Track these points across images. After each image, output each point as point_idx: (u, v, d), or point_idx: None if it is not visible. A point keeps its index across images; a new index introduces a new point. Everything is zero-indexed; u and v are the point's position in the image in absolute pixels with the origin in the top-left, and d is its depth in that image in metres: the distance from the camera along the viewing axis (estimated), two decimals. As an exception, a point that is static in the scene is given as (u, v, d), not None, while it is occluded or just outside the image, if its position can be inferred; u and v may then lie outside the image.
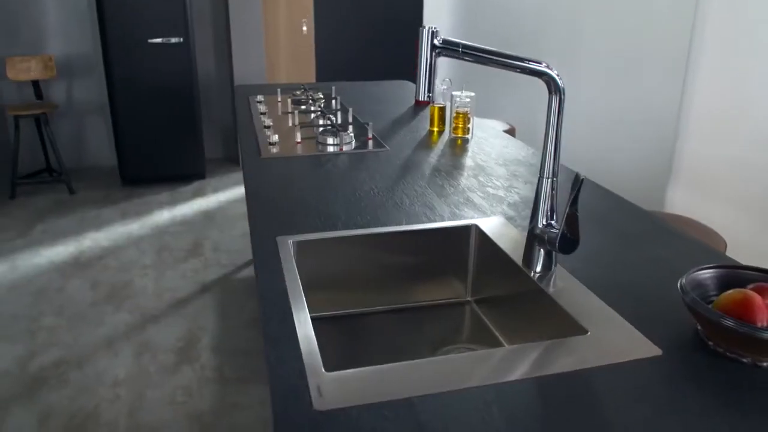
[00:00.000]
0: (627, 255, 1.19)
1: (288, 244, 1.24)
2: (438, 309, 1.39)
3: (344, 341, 1.27)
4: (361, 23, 5.99)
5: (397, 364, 0.86)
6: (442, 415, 0.74)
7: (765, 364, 0.86)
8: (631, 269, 1.13)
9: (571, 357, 0.86)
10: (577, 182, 0.98)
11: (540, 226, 1.09)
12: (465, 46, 0.91)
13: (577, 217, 1.01)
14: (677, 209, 3.23)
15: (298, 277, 1.11)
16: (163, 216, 3.98)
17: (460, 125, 2.07)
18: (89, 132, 4.80)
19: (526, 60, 0.98)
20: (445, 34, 6.25)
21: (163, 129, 4.40)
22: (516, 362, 0.85)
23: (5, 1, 4.35)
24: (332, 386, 0.80)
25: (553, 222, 1.09)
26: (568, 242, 1.03)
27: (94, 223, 3.85)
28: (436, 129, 2.18)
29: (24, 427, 2.08)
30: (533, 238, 1.11)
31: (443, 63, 6.28)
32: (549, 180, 1.06)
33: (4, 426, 2.08)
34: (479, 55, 0.91)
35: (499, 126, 3.05)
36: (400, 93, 2.85)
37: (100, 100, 4.71)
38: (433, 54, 0.91)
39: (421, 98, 0.92)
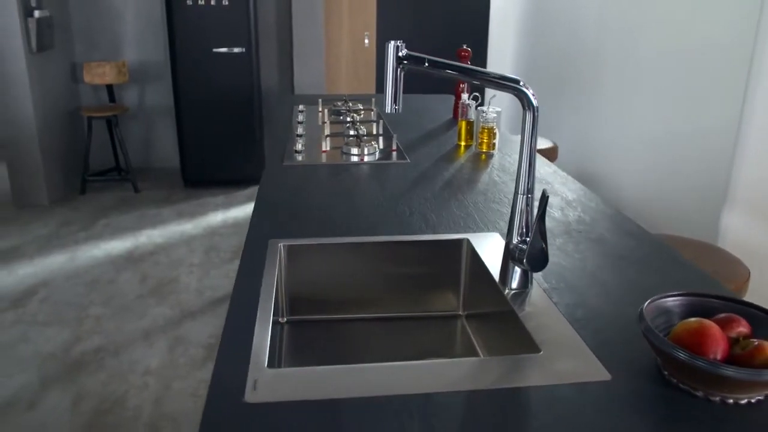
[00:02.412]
0: (613, 278, 1.16)
1: (278, 248, 1.28)
2: (429, 321, 1.39)
3: (326, 346, 1.30)
4: (424, 38, 6.04)
5: (342, 366, 0.88)
6: (363, 419, 0.76)
7: (717, 398, 0.82)
8: (612, 293, 1.10)
9: (512, 374, 0.86)
10: (544, 199, 0.97)
11: (514, 242, 1.08)
12: (430, 60, 0.93)
13: (545, 233, 1.00)
14: (732, 236, 3.07)
15: (276, 279, 1.15)
16: (217, 218, 4.15)
17: (485, 140, 2.07)
18: (157, 134, 5.08)
19: (499, 78, 0.99)
20: (509, 49, 6.20)
21: (225, 134, 4.59)
22: (455, 375, 0.86)
23: (87, 12, 4.69)
24: (270, 382, 0.84)
25: (527, 239, 1.08)
26: (537, 259, 1.02)
27: (152, 221, 4.07)
28: (463, 143, 2.18)
29: (58, 406, 2.22)
30: (508, 255, 1.10)
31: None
32: (524, 196, 1.06)
33: (41, 404, 2.23)
34: (445, 70, 0.93)
35: (542, 143, 3.01)
36: (440, 106, 2.87)
37: (167, 105, 4.98)
38: (399, 67, 0.93)
39: (388, 110, 0.95)
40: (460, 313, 1.40)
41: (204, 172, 4.67)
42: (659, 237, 2.01)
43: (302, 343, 1.31)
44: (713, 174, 3.20)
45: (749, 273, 1.60)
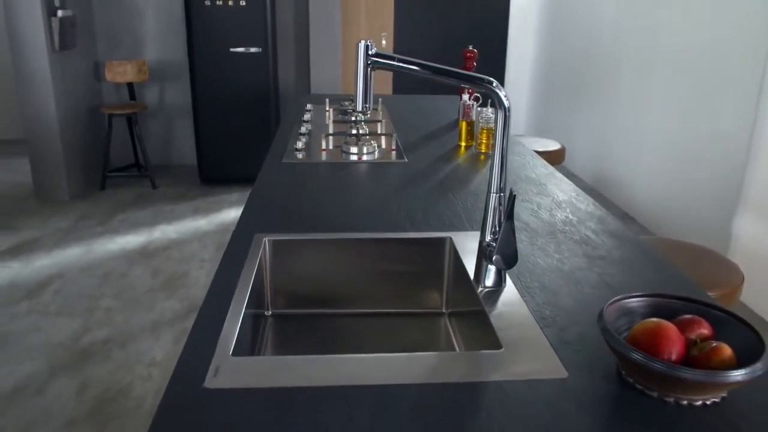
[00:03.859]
0: (588, 278, 1.16)
1: (263, 243, 1.31)
2: (414, 318, 1.41)
3: (310, 340, 1.32)
4: (441, 39, 6.04)
5: (303, 356, 0.90)
6: (314, 407, 0.78)
7: (671, 399, 0.82)
8: (583, 292, 1.10)
9: (468, 370, 0.87)
10: (511, 198, 0.98)
11: (487, 240, 1.09)
12: (400, 59, 0.95)
13: (514, 231, 1.01)
14: (744, 240, 3.02)
15: (257, 273, 1.18)
16: (230, 215, 4.21)
17: (484, 141, 2.07)
18: (175, 132, 5.17)
19: (471, 77, 1.00)
20: (528, 52, 6.17)
21: (241, 133, 4.66)
22: (413, 368, 0.87)
23: (109, 12, 4.80)
24: (232, 369, 0.86)
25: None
26: (506, 257, 1.03)
27: (167, 217, 4.15)
28: (463, 144, 2.19)
29: (64, 394, 2.29)
30: (481, 254, 1.11)
31: (523, 79, 6.21)
32: (496, 195, 1.07)
33: (47, 390, 2.30)
34: (414, 68, 0.94)
35: (550, 145, 3.00)
36: (447, 107, 2.88)
37: (186, 103, 5.06)
38: (368, 66, 0.95)
39: (359, 110, 0.97)
40: (444, 311, 1.41)
41: (220, 170, 4.75)
42: (649, 239, 2.00)
43: (286, 336, 1.34)
44: (727, 177, 3.15)
45: (743, 278, 1.58)
